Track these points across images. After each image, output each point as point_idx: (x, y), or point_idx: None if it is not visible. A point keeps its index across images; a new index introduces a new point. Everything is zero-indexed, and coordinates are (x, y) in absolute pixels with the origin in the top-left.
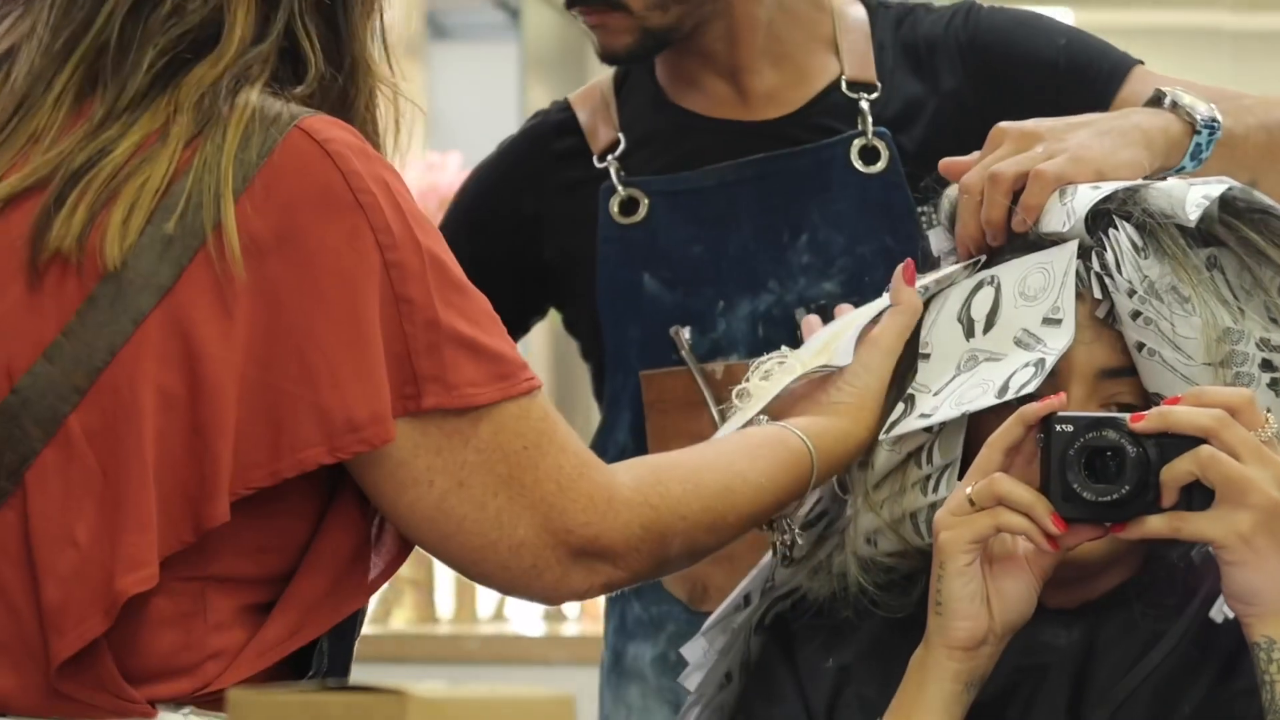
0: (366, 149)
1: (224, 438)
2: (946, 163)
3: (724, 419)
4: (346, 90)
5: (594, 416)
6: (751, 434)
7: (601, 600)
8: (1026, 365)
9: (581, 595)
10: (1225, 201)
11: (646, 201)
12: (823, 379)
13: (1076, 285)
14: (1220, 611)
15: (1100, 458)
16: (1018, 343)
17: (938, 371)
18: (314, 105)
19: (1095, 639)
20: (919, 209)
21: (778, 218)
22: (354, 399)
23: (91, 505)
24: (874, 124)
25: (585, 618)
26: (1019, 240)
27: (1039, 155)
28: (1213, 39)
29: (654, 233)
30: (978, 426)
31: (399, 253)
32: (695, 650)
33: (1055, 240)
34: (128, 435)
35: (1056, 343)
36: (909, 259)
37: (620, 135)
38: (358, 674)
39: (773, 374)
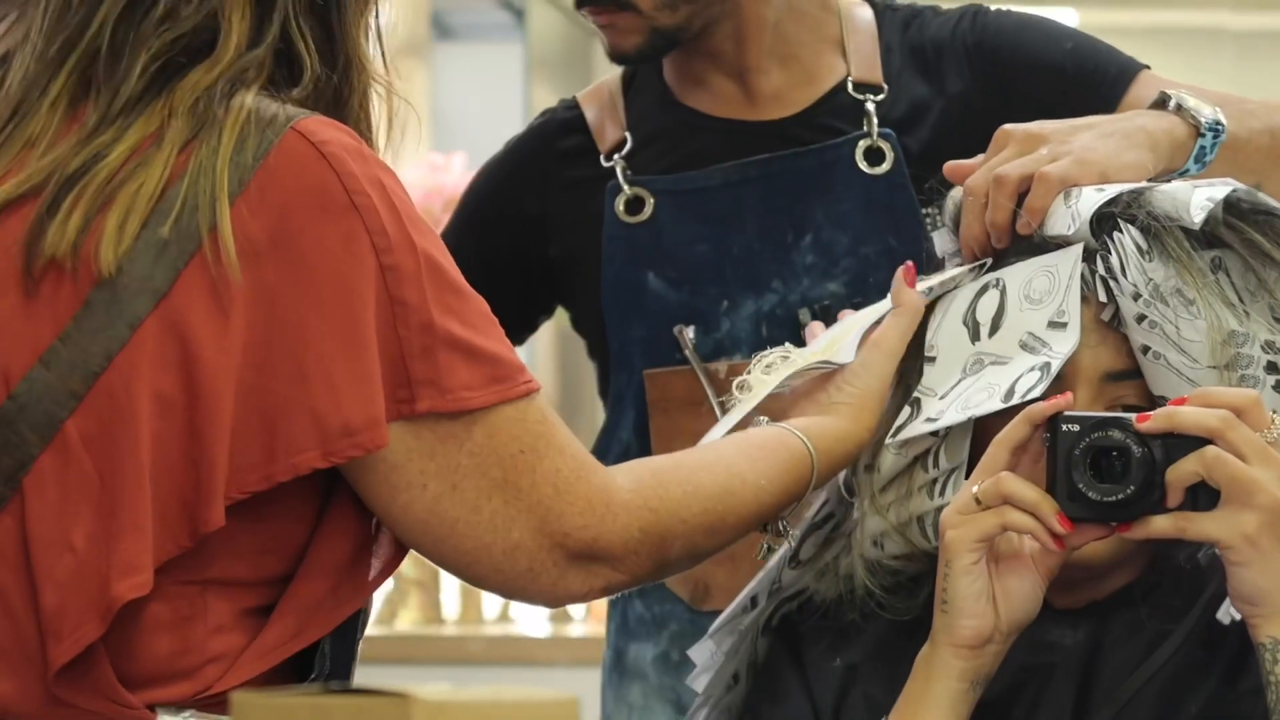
0: (363, 150)
1: (220, 442)
2: (951, 165)
3: (725, 413)
4: (340, 89)
5: (599, 417)
6: (751, 435)
7: (604, 601)
8: (1032, 369)
9: (581, 598)
10: (1230, 204)
11: (652, 200)
12: (823, 379)
13: (1081, 288)
14: (1227, 613)
15: (1106, 457)
16: (1023, 346)
17: (943, 375)
18: (310, 106)
19: (1101, 639)
20: (924, 211)
21: (782, 218)
22: (349, 403)
23: (88, 510)
24: (879, 125)
25: (591, 619)
26: (1024, 242)
27: (1044, 157)
28: (1215, 39)
29: (659, 232)
30: (984, 430)
31: (394, 255)
32: (703, 652)
33: (1060, 243)
34: (124, 440)
35: (1062, 346)
36: (910, 261)
37: (627, 134)
38: (362, 675)
39: (774, 367)
